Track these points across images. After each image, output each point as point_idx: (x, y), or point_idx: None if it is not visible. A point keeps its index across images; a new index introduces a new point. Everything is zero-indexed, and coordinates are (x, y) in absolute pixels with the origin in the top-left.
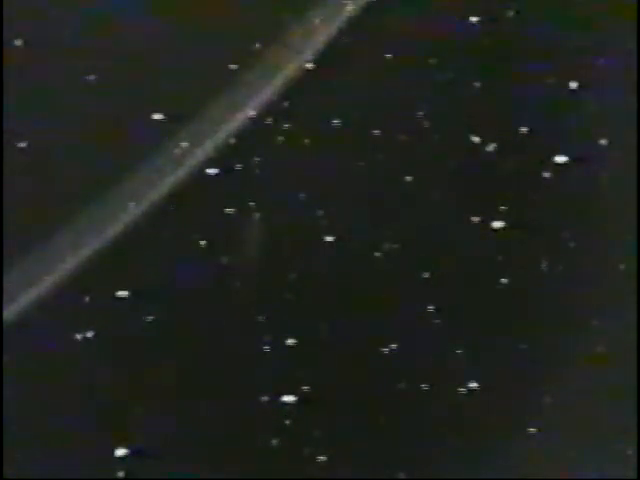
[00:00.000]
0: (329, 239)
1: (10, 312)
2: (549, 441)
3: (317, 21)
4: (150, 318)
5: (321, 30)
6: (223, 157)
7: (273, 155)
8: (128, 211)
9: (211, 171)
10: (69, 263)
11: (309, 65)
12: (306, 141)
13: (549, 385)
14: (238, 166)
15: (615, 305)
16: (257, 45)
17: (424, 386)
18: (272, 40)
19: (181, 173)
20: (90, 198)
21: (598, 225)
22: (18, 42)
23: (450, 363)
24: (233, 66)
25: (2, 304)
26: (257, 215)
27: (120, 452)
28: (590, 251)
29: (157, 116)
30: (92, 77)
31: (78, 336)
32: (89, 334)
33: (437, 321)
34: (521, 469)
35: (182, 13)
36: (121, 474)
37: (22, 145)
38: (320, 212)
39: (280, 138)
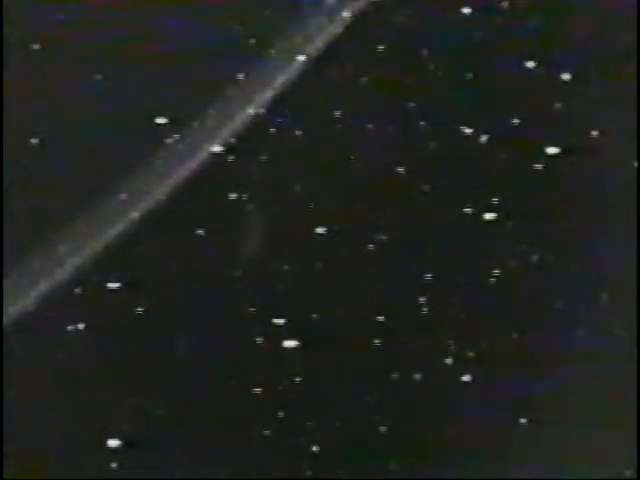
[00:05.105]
0: (320, 231)
1: (9, 311)
2: (548, 441)
3: (314, 19)
4: (141, 309)
5: (317, 26)
6: (219, 150)
7: (268, 148)
8: (126, 208)
9: (207, 165)
10: (69, 262)
11: (303, 58)
12: (298, 133)
13: (545, 383)
14: (231, 158)
15: (610, 297)
16: (257, 46)
17: (417, 377)
18: (272, 40)
19: (178, 169)
20: (90, 198)
21: (590, 216)
22: (36, 46)
23: (442, 354)
24: (240, 75)
25: (2, 304)
26: (251, 207)
27: (113, 443)
28: (582, 242)
29: (160, 120)
30: (99, 76)
31: (70, 328)
32: (80, 326)
33: (429, 313)
34: (519, 469)
35: (184, 15)
36: (114, 465)
37: (31, 143)
38: (312, 204)
39: (274, 131)
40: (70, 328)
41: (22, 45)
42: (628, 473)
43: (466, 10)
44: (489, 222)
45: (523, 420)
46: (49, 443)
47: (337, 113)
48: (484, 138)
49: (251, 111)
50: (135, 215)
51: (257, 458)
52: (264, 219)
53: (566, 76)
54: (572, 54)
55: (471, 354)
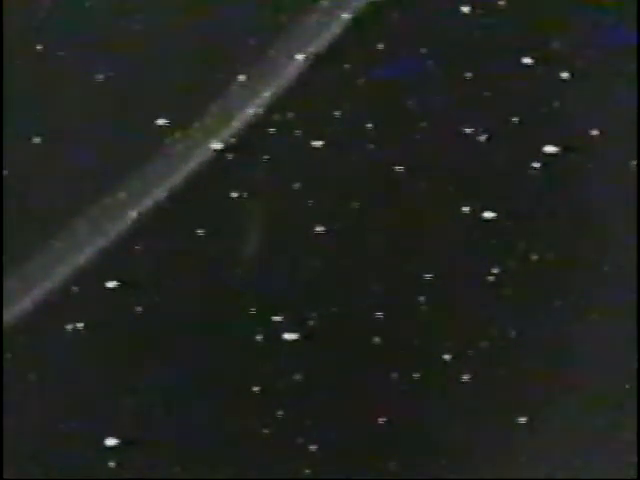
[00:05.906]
0: (319, 229)
1: (9, 311)
2: (548, 440)
3: (312, 19)
4: (140, 309)
5: (317, 26)
6: (219, 149)
7: (268, 148)
8: (126, 208)
9: (207, 165)
10: (68, 262)
11: (303, 58)
12: (298, 132)
13: (545, 382)
14: (231, 158)
15: (610, 296)
16: (257, 46)
17: (416, 376)
18: (272, 40)
19: (178, 169)
20: (90, 198)
21: (590, 216)
22: (39, 47)
23: (442, 353)
24: (242, 77)
25: (2, 304)
26: (251, 207)
27: (110, 442)
28: (580, 241)
29: (160, 120)
30: (100, 77)
31: (69, 327)
32: (80, 325)
33: (428, 311)
34: (519, 469)
35: (184, 16)
36: (112, 464)
37: (32, 143)
38: (312, 203)
39: (274, 131)
40: (69, 327)
41: (22, 45)
42: (628, 473)
43: (466, 9)
44: (488, 221)
45: (523, 420)
46: (48, 442)
47: (337, 113)
48: (483, 137)
49: (251, 111)
50: (135, 215)
51: (256, 457)
52: (264, 218)
53: (565, 75)
54: (571, 53)
55: (471, 353)
